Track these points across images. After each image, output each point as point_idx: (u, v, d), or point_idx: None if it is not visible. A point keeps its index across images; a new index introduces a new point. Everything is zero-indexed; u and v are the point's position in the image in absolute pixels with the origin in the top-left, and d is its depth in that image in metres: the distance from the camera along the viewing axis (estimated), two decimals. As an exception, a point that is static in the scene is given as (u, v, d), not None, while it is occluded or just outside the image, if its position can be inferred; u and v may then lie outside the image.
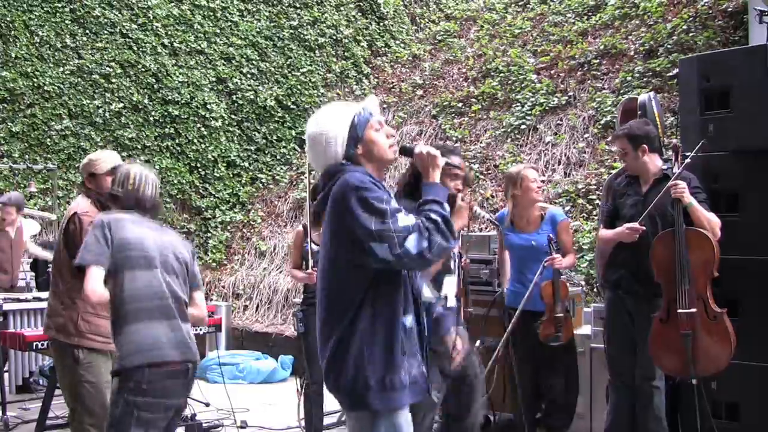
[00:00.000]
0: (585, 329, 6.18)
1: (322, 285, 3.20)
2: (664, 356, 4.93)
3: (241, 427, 6.90)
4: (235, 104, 13.35)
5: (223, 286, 11.55)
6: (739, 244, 5.01)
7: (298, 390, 6.44)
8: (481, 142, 10.73)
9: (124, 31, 12.65)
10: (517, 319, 5.43)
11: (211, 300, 11.00)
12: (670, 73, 9.32)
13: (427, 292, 3.76)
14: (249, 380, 9.09)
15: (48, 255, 8.55)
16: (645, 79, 9.70)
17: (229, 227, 12.76)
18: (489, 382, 5.86)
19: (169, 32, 13.07)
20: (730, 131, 5.18)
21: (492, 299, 6.23)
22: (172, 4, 13.20)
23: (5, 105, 11.45)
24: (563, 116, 10.27)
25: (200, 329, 6.44)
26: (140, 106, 12.48)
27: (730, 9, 9.73)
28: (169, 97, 12.73)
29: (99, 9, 12.49)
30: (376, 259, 2.97)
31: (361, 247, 2.98)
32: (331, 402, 5.83)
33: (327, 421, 6.52)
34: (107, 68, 12.33)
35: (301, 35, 14.17)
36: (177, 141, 12.71)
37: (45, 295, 6.81)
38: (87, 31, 12.37)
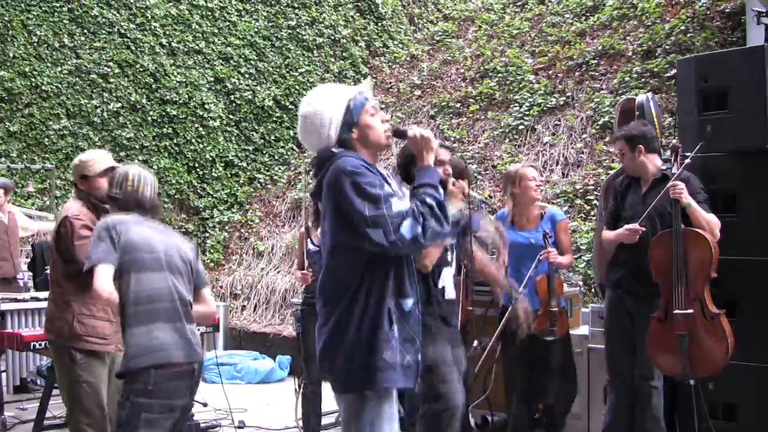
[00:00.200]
0: (583, 329, 6.18)
1: (323, 271, 3.25)
2: (661, 356, 4.93)
3: (239, 427, 6.89)
4: (233, 104, 13.35)
5: (221, 286, 11.55)
6: (737, 245, 5.01)
7: (295, 390, 6.44)
8: (479, 143, 10.73)
9: (122, 31, 12.64)
10: (511, 316, 5.48)
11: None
12: (668, 74, 9.33)
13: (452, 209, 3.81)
14: (247, 380, 9.10)
15: (48, 225, 8.54)
16: (643, 80, 9.71)
17: (227, 227, 12.76)
18: (487, 382, 5.86)
19: (167, 32, 13.06)
20: (728, 132, 5.19)
21: (490, 299, 6.23)
22: (170, 3, 13.19)
23: (3, 105, 11.44)
24: (561, 117, 10.28)
25: (198, 329, 6.44)
26: (138, 106, 12.47)
27: (728, 10, 9.74)
28: (167, 97, 12.73)
29: (97, 8, 12.48)
30: (372, 244, 3.00)
31: (356, 231, 3.02)
32: (328, 402, 5.84)
33: (325, 421, 6.52)
34: (105, 68, 12.33)
35: (299, 35, 14.16)
36: (175, 141, 12.70)
37: (42, 295, 6.82)
38: (85, 31, 12.36)
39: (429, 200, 3.04)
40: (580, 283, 7.57)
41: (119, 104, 12.29)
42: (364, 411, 3.14)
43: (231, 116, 13.29)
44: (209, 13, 13.54)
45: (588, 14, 12.06)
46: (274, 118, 13.51)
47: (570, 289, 6.27)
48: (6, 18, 11.67)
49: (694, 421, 4.88)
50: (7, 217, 8.40)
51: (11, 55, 11.58)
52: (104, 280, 3.64)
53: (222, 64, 13.44)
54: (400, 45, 14.99)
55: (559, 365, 5.63)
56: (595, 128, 9.75)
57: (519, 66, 11.55)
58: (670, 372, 5.02)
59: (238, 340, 10.39)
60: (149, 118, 12.52)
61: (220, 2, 13.66)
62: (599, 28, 11.47)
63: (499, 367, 5.92)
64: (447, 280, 4.55)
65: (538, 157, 9.88)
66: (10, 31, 11.68)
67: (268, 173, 13.34)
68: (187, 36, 13.21)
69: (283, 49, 14.00)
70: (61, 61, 12.06)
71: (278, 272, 11.27)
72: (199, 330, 4.11)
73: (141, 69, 12.63)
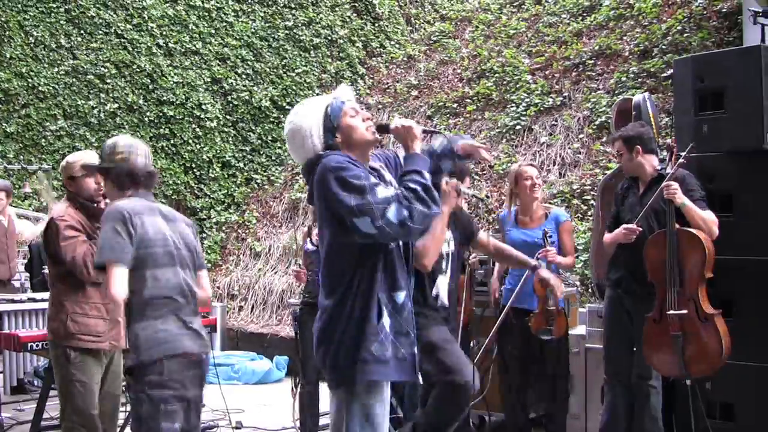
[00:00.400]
0: (580, 329, 6.18)
1: (321, 269, 3.32)
2: (656, 356, 4.93)
3: (236, 428, 6.89)
4: (230, 105, 13.35)
5: (219, 287, 11.54)
6: (733, 245, 5.01)
7: (292, 390, 6.44)
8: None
9: (119, 32, 12.63)
10: (510, 317, 5.50)
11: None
12: (665, 74, 9.34)
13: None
14: (244, 381, 9.09)
15: (38, 228, 8.52)
16: (640, 80, 9.72)
17: (224, 228, 12.76)
18: (484, 382, 5.87)
19: (164, 33, 13.06)
20: (725, 132, 5.20)
21: (487, 299, 6.25)
22: (167, 4, 13.19)
23: (0, 105, 11.43)
24: (558, 117, 10.28)
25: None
26: (135, 107, 12.47)
27: (724, 10, 9.75)
28: (164, 98, 12.73)
29: (94, 9, 12.48)
30: (361, 234, 3.05)
31: (345, 225, 3.06)
32: (326, 402, 5.84)
33: (322, 422, 6.52)
34: (102, 69, 12.32)
35: (296, 36, 14.16)
36: (172, 142, 12.70)
37: (39, 295, 6.83)
38: (82, 32, 12.36)
39: (413, 185, 3.08)
40: (578, 283, 7.58)
41: (116, 105, 12.28)
42: (353, 405, 3.18)
43: (228, 117, 13.29)
44: (206, 14, 13.54)
45: (585, 14, 12.07)
46: (271, 119, 13.51)
47: (567, 289, 6.27)
48: (3, 19, 11.66)
49: (692, 420, 4.89)
50: (7, 220, 8.39)
51: (8, 55, 11.57)
52: (120, 285, 3.53)
53: (219, 65, 13.43)
54: (397, 45, 15.00)
55: (553, 365, 5.63)
56: (592, 128, 9.75)
57: (516, 66, 11.55)
58: (666, 372, 5.02)
59: (235, 341, 10.38)
60: (146, 119, 12.51)
61: (217, 3, 13.66)
62: (596, 28, 11.47)
63: (496, 367, 5.93)
64: (441, 287, 4.58)
65: (535, 158, 9.88)
66: (7, 32, 11.68)
67: (265, 174, 13.34)
68: (184, 36, 13.21)
69: (280, 49, 14.00)
70: (58, 61, 12.06)
71: (275, 273, 11.27)
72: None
73: (138, 70, 12.63)
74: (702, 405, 4.90)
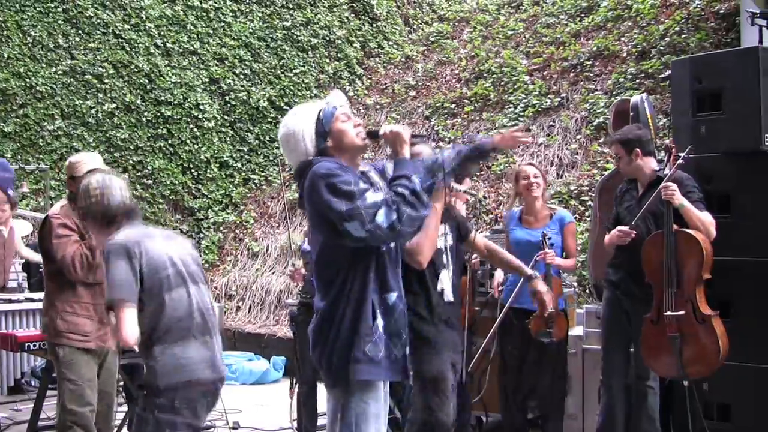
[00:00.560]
0: (577, 330, 6.18)
1: (314, 271, 3.41)
2: (654, 357, 4.94)
3: (234, 428, 6.89)
4: (228, 105, 13.34)
5: (216, 287, 11.52)
6: (731, 246, 5.02)
7: (291, 390, 6.44)
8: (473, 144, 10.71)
9: (117, 32, 12.62)
10: (510, 317, 5.50)
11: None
12: (663, 75, 9.35)
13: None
14: (241, 381, 9.08)
15: (39, 258, 8.52)
16: (637, 81, 9.73)
17: (221, 228, 12.75)
18: (481, 383, 5.87)
19: (162, 33, 13.05)
20: (722, 133, 5.20)
21: (485, 300, 6.24)
22: (165, 4, 13.18)
23: (-3, 105, 11.43)
24: (556, 117, 10.29)
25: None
26: (133, 107, 12.45)
27: (722, 11, 9.76)
28: (162, 98, 12.71)
29: (92, 9, 12.46)
30: (352, 239, 3.11)
31: (336, 230, 3.12)
32: (323, 403, 5.83)
33: (320, 422, 6.51)
34: (100, 68, 12.30)
35: (294, 36, 14.16)
36: (170, 142, 12.69)
37: (37, 296, 6.83)
38: (80, 32, 12.34)
39: (401, 189, 3.14)
40: (575, 284, 7.57)
41: (114, 105, 12.26)
42: (349, 404, 3.24)
43: (226, 117, 13.28)
44: (204, 14, 13.53)
45: (583, 15, 12.08)
46: (269, 119, 13.50)
47: (565, 290, 6.27)
48: (0, 18, 11.64)
49: (689, 421, 4.90)
50: (8, 230, 8.39)
51: (6, 55, 11.55)
52: (132, 326, 3.46)
53: (217, 65, 13.42)
54: (395, 46, 15.00)
55: (552, 366, 5.63)
56: (589, 129, 9.76)
57: (514, 67, 11.56)
58: (664, 373, 5.03)
59: (232, 341, 10.36)
60: (144, 119, 12.50)
61: (215, 3, 13.65)
62: (594, 29, 11.48)
63: (494, 368, 5.93)
64: (445, 282, 4.53)
65: (532, 158, 9.87)
66: (5, 32, 11.66)
67: (262, 174, 13.33)
68: (182, 37, 13.20)
69: (278, 49, 13.99)
70: (56, 61, 12.04)
71: (273, 273, 11.26)
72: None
73: (136, 70, 12.61)
74: (699, 406, 4.91)
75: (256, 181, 13.24)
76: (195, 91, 13.01)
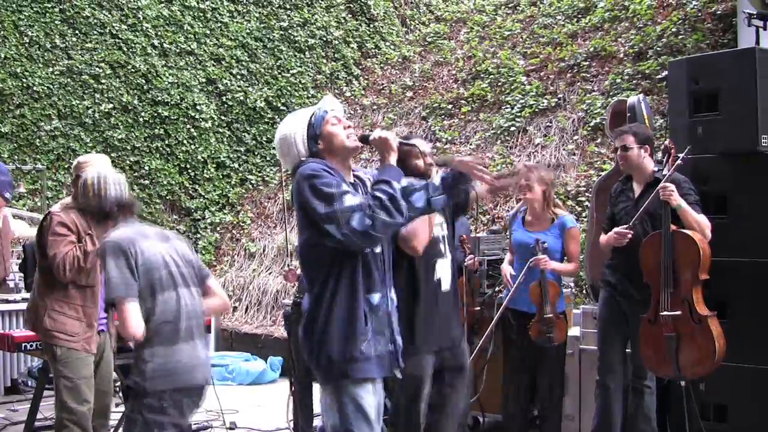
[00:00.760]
0: (574, 331, 6.19)
1: (301, 271, 3.56)
2: (651, 357, 4.94)
3: (231, 428, 6.90)
4: (225, 105, 13.33)
5: (213, 288, 11.49)
6: (728, 246, 5.03)
7: (290, 390, 6.44)
8: (470, 144, 10.74)
9: (114, 32, 12.60)
10: (507, 317, 5.51)
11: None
12: (660, 76, 9.35)
13: None
14: (238, 381, 9.08)
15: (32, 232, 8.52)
16: (634, 82, 9.73)
17: (218, 228, 12.74)
18: (478, 383, 5.88)
19: (159, 33, 13.04)
20: (719, 134, 5.21)
21: (482, 300, 6.25)
22: (162, 4, 13.16)
23: (-6, 105, 11.41)
24: (553, 118, 10.29)
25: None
26: (130, 107, 12.44)
27: (719, 12, 9.77)
28: (159, 98, 12.70)
29: (89, 9, 12.44)
30: (332, 240, 3.20)
31: (318, 230, 3.22)
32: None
33: (315, 422, 6.51)
34: (97, 69, 12.28)
35: (291, 36, 14.16)
36: (167, 142, 12.67)
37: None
38: (76, 32, 12.32)
39: (379, 194, 3.20)
40: (572, 284, 7.58)
41: (111, 105, 12.25)
42: (344, 399, 3.32)
43: (223, 117, 13.28)
44: (201, 14, 13.52)
45: (579, 16, 12.08)
46: (266, 119, 13.50)
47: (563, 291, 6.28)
48: (-3, 18, 11.64)
49: (686, 422, 4.90)
50: (2, 220, 8.37)
51: (2, 55, 11.53)
52: (136, 320, 3.52)
53: (214, 65, 13.42)
54: (392, 46, 15.00)
55: (549, 368, 5.64)
56: (586, 130, 9.76)
57: (511, 67, 11.56)
58: (661, 373, 5.04)
59: (229, 342, 10.37)
60: (141, 119, 12.48)
61: (212, 3, 13.64)
62: (591, 29, 11.49)
63: (492, 368, 5.94)
64: (442, 271, 4.49)
65: (529, 159, 9.88)
66: (2, 32, 11.64)
67: (259, 174, 13.32)
68: (178, 37, 13.19)
69: (275, 50, 13.99)
70: (53, 61, 12.02)
71: (270, 273, 11.26)
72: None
73: (133, 70, 12.60)
74: (696, 406, 4.91)
75: (252, 182, 13.23)
76: (192, 91, 13.00)
